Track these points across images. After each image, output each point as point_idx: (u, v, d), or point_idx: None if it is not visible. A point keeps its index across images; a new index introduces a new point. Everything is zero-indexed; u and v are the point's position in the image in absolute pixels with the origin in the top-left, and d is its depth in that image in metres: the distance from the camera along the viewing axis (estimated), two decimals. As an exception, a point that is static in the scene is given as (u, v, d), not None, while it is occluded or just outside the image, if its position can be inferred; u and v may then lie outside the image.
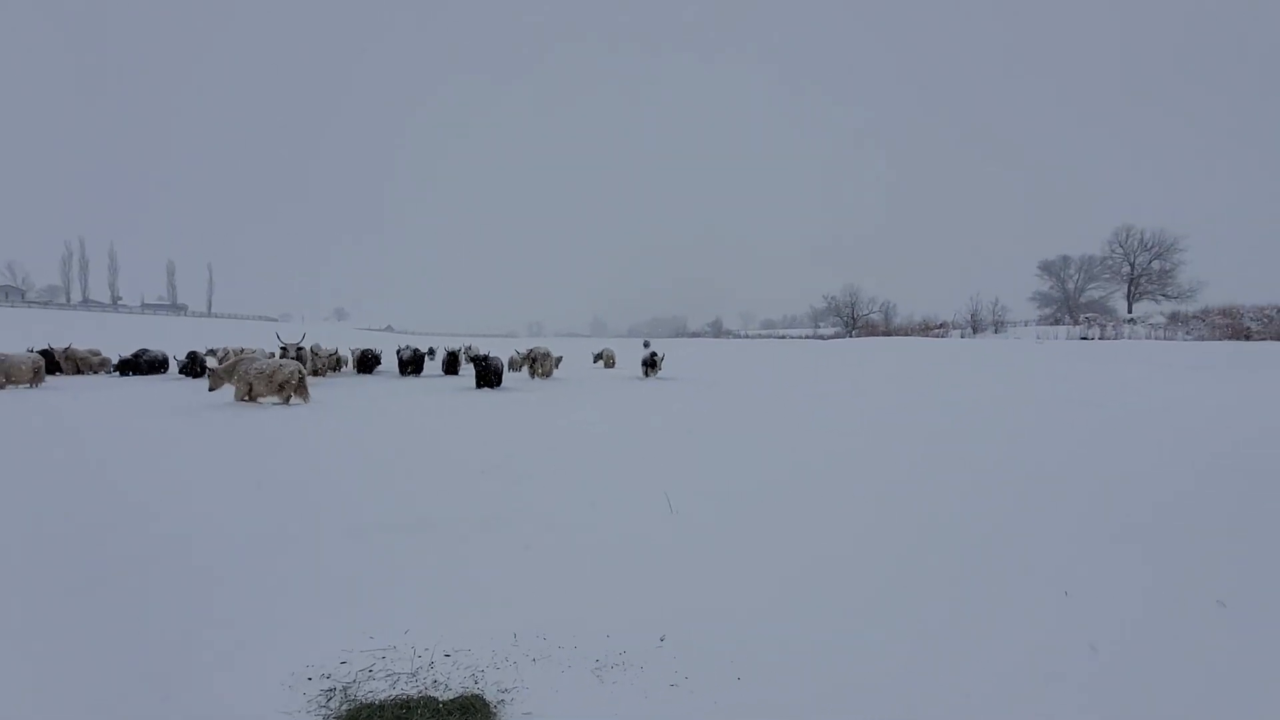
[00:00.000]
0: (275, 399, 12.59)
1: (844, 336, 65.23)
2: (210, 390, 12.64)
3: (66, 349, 20.63)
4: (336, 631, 3.14)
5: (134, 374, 19.66)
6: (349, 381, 19.19)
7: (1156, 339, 37.28)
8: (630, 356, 34.05)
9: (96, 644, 3.00)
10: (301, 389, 12.60)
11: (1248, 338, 34.83)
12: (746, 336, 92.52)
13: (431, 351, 37.31)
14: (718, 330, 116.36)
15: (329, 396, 14.23)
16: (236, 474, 6.34)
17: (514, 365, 23.60)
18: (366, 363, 23.12)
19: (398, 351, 22.00)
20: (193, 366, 19.17)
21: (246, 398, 12.30)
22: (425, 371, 22.63)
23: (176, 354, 21.62)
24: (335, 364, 22.00)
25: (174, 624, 3.21)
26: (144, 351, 20.52)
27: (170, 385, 16.40)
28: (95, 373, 20.68)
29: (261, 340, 39.47)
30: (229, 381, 12.50)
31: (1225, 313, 40.86)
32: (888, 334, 60.03)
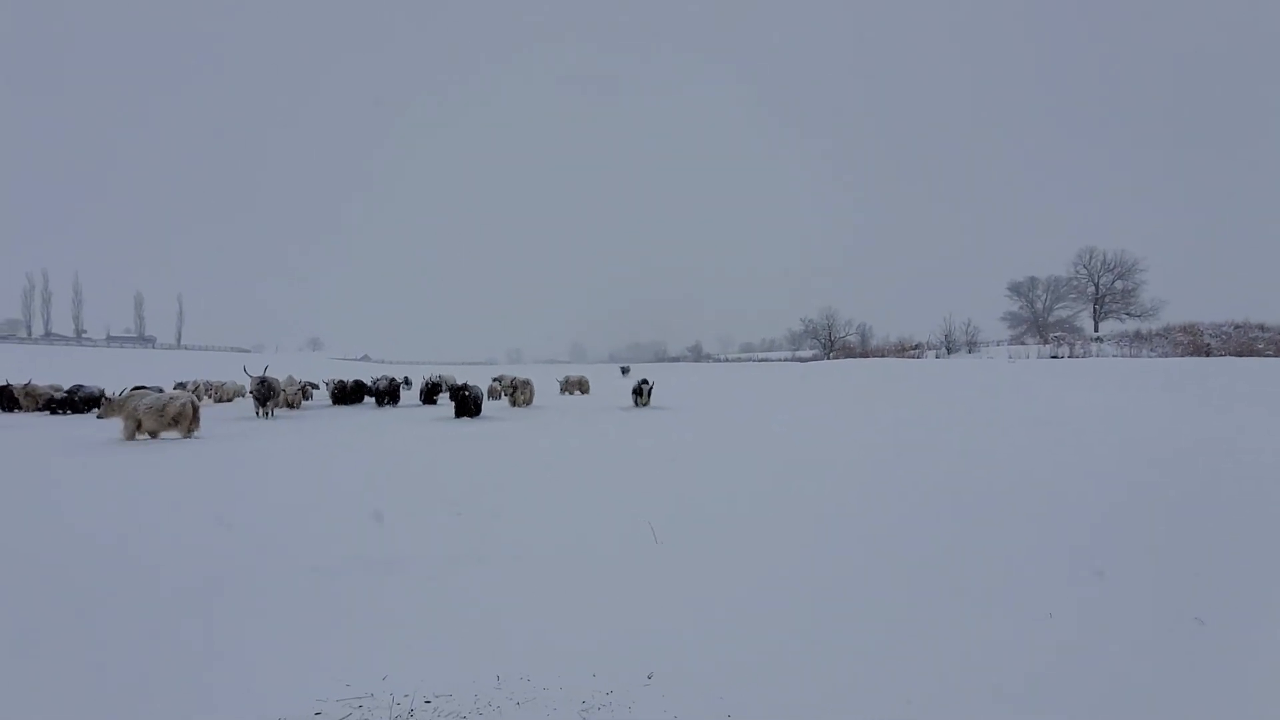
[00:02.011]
0: (174, 434, 12.24)
1: (822, 358, 65.86)
2: (99, 418, 12.16)
3: (27, 385, 19.96)
4: (309, 678, 2.99)
5: (69, 412, 18.82)
6: (323, 413, 18.80)
7: (1123, 356, 38.32)
8: (608, 384, 33.93)
9: (43, 698, 2.82)
10: (194, 423, 12.28)
11: (1207, 353, 35.99)
12: (726, 360, 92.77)
13: (408, 381, 36.85)
14: (698, 354, 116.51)
15: (300, 429, 13.90)
16: (190, 511, 6.09)
17: (493, 394, 23.44)
18: (346, 394, 22.19)
19: (373, 381, 21.67)
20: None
21: (139, 433, 11.86)
22: (403, 402, 22.32)
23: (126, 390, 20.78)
24: (298, 398, 21.39)
25: (129, 673, 3.02)
26: (79, 388, 19.65)
27: (105, 422, 15.51)
28: (58, 409, 19.92)
29: (231, 372, 38.66)
30: (121, 415, 11.92)
31: (1186, 330, 42.31)
32: (865, 355, 60.72)
